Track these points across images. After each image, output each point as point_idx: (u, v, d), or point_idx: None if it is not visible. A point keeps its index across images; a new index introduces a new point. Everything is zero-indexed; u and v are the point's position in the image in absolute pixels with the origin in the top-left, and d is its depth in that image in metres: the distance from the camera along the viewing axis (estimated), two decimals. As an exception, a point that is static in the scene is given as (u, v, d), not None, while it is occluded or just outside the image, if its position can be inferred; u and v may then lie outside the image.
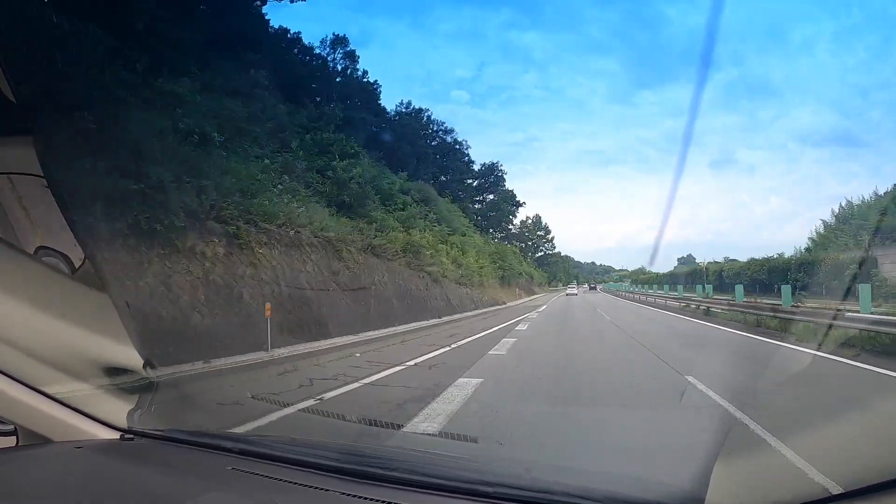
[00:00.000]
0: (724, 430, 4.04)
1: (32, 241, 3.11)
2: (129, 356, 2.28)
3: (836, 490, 1.43)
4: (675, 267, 53.22)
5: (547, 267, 68.62)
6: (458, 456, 2.53)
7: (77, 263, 2.95)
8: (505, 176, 49.89)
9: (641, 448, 3.78)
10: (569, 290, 54.84)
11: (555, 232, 73.61)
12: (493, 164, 49.36)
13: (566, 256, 77.81)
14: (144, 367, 2.32)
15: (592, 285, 72.73)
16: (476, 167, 46.68)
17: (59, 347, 2.04)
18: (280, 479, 1.66)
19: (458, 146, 43.15)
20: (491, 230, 47.84)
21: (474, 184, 47.61)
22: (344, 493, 1.54)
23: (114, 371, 2.23)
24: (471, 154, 44.87)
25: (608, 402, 5.62)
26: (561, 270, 75.76)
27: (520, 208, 52.72)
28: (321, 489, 1.58)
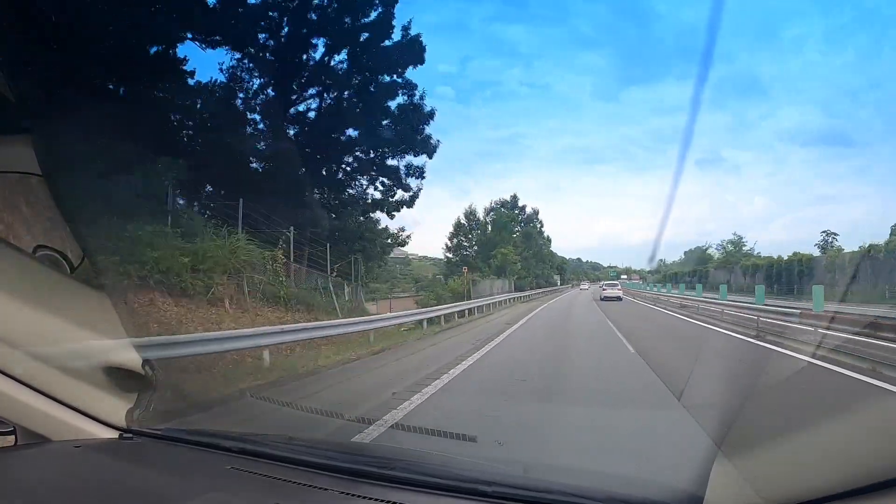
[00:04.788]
0: (723, 430, 4.05)
1: (32, 240, 3.11)
2: (128, 355, 2.28)
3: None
4: (680, 259, 50.09)
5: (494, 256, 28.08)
6: (458, 455, 2.53)
7: (76, 262, 2.94)
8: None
9: (641, 448, 3.79)
10: (581, 286, 51.50)
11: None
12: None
13: (540, 232, 34.81)
14: (143, 366, 2.31)
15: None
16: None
17: (58, 346, 2.04)
18: (280, 479, 1.66)
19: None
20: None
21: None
22: (344, 493, 1.54)
23: (112, 370, 2.23)
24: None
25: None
26: (535, 255, 33.98)
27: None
28: (321, 489, 1.58)
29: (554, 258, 44.05)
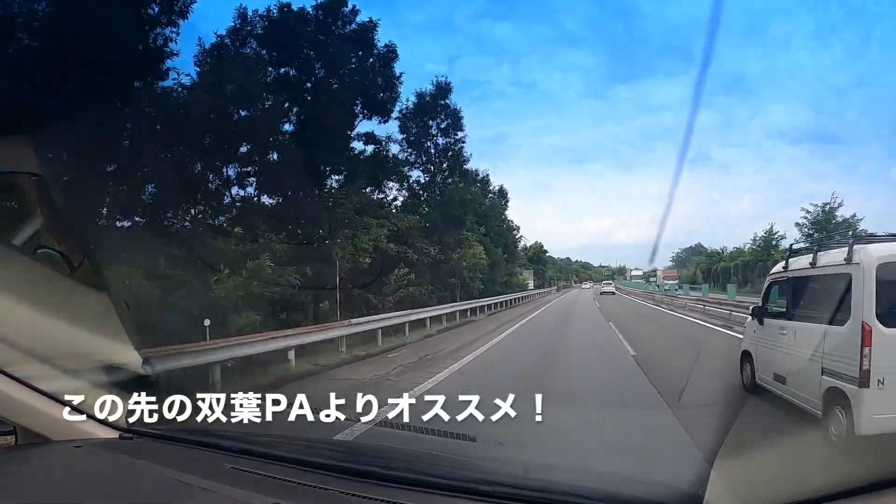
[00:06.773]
0: (723, 430, 4.04)
1: (32, 241, 3.11)
2: (128, 354, 2.28)
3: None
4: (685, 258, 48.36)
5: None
6: (458, 455, 2.52)
7: (76, 263, 2.94)
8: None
9: (640, 447, 3.78)
10: (583, 286, 51.57)
11: (529, 229, 29.06)
12: None
13: (480, 179, 19.34)
14: (143, 365, 2.32)
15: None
16: None
17: (59, 346, 2.04)
18: (280, 479, 1.66)
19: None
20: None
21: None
22: (344, 493, 1.54)
23: (113, 369, 2.23)
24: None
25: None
26: (453, 218, 17.06)
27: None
28: (321, 488, 1.58)
29: (510, 236, 24.95)
